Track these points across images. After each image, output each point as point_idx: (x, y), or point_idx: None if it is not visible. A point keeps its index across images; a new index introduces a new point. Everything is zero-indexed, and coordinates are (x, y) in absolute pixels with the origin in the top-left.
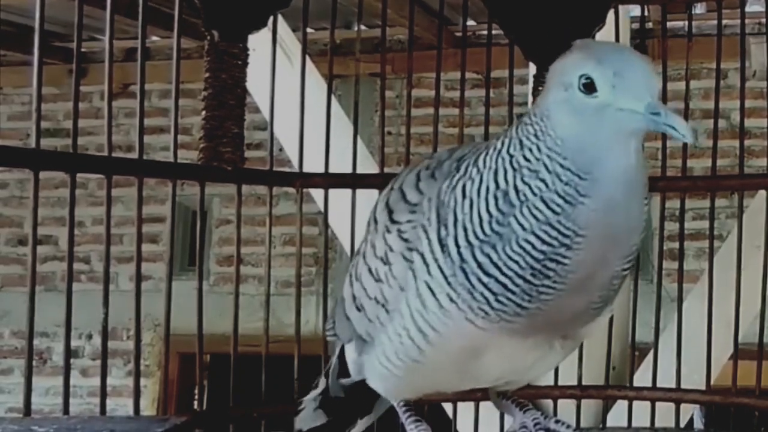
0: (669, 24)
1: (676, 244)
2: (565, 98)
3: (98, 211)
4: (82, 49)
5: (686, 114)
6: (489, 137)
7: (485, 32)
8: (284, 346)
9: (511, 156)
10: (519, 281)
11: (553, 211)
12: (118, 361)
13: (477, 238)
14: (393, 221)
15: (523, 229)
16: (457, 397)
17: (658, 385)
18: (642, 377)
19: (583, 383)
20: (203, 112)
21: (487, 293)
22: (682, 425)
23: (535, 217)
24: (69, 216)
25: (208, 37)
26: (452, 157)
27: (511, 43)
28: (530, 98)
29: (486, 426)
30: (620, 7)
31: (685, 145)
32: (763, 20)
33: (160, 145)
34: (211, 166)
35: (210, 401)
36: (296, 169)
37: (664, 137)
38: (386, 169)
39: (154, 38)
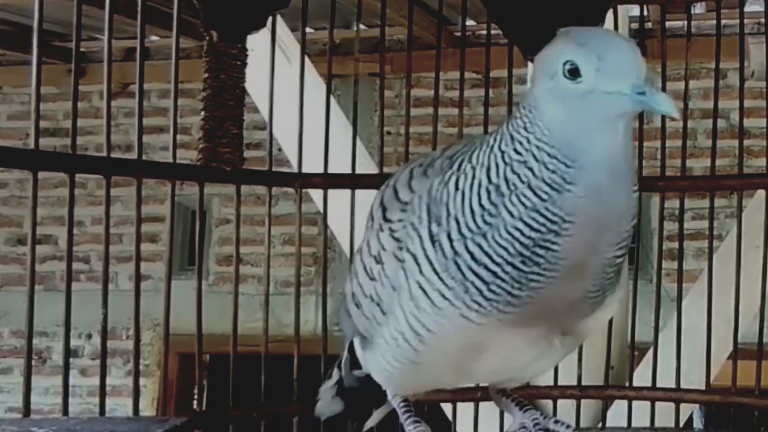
0: (668, 24)
1: (676, 244)
2: (550, 87)
3: (97, 210)
4: (81, 49)
5: (686, 114)
6: None
7: (484, 32)
8: (284, 346)
9: (503, 151)
10: (509, 268)
11: (540, 198)
12: (118, 361)
13: (470, 230)
14: (386, 219)
15: (512, 216)
16: (457, 397)
17: (657, 384)
18: (641, 377)
19: (583, 383)
20: (202, 113)
21: (479, 283)
22: (681, 425)
23: (523, 204)
24: (68, 216)
25: (207, 38)
26: (444, 155)
27: (510, 42)
28: None
29: (486, 426)
30: (619, 6)
31: (684, 144)
32: (762, 20)
33: (159, 144)
34: (211, 166)
35: (209, 401)
36: (295, 168)
37: (664, 137)
38: (385, 169)
39: (154, 38)
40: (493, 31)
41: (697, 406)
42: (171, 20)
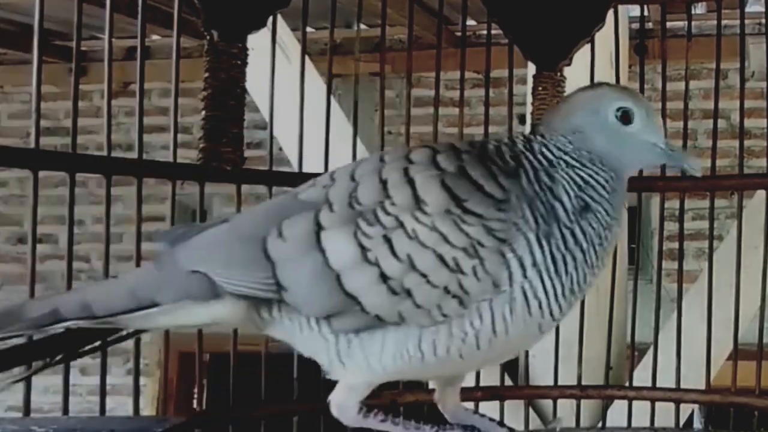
0: (669, 24)
1: (676, 244)
2: (597, 122)
3: (98, 209)
4: (82, 48)
5: (686, 114)
6: (488, 136)
7: (485, 32)
8: (284, 345)
9: (557, 159)
10: (587, 257)
11: (601, 195)
12: (118, 360)
13: (568, 224)
14: (470, 212)
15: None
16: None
17: (657, 384)
18: (641, 376)
19: (583, 383)
20: (203, 113)
21: (572, 271)
22: (681, 425)
23: (591, 198)
24: (69, 215)
25: (208, 37)
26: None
27: (510, 42)
28: (529, 97)
29: None
30: (619, 7)
31: (684, 145)
32: (763, 20)
33: (160, 143)
34: (211, 165)
35: (210, 401)
36: (296, 168)
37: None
38: None
39: (154, 37)
40: (493, 31)
41: (696, 406)
42: (172, 19)
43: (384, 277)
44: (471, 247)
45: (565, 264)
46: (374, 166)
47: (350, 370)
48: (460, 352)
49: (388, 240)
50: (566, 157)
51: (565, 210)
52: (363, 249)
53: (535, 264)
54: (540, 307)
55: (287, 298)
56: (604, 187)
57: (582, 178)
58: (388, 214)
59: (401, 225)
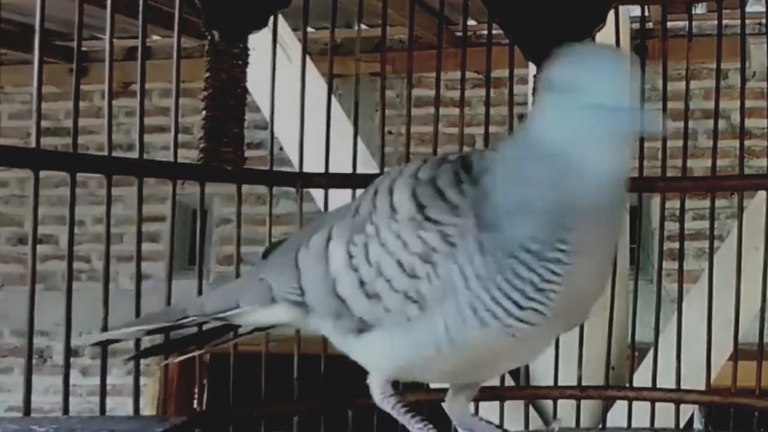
0: (669, 24)
1: (676, 244)
2: (549, 101)
3: (98, 210)
4: (83, 48)
5: (686, 114)
6: (489, 137)
7: (485, 32)
8: (284, 345)
9: (510, 155)
10: (548, 250)
11: (541, 199)
12: (118, 360)
13: (500, 234)
14: (429, 218)
15: (536, 199)
16: None
17: (658, 385)
18: (641, 377)
19: (583, 384)
20: (203, 113)
21: (534, 277)
22: (681, 426)
23: (540, 187)
24: (69, 215)
25: (209, 37)
26: (471, 158)
27: (511, 42)
28: (530, 98)
29: None
30: (620, 7)
31: (685, 145)
32: (764, 20)
33: (160, 144)
34: (212, 166)
35: (210, 401)
36: (296, 168)
37: (665, 137)
38: (386, 169)
39: (155, 37)
40: (494, 31)
41: (697, 406)
42: (172, 20)
43: (362, 283)
44: (425, 253)
45: (515, 271)
46: (380, 179)
47: (363, 363)
48: (428, 355)
49: (366, 247)
50: (508, 161)
51: (496, 221)
52: (350, 256)
53: (477, 274)
54: (496, 317)
55: (306, 301)
56: (542, 190)
57: (518, 182)
58: (372, 223)
59: (377, 233)
